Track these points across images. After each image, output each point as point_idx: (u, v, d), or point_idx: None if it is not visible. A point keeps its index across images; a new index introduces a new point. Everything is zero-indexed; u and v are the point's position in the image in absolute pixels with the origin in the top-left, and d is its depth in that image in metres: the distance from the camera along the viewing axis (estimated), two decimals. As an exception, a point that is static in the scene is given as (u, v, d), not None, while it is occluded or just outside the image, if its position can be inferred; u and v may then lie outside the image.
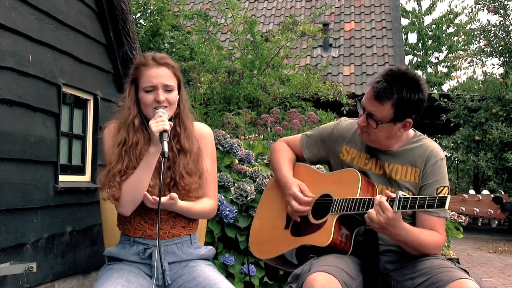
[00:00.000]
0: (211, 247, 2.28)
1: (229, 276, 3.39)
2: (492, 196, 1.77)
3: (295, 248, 2.22)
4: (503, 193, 1.77)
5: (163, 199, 1.99)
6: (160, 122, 2.02)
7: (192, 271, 2.07)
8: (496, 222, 1.81)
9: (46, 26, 3.41)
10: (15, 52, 3.08)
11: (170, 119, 2.10)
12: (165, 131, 2.01)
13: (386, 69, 2.15)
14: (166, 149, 1.99)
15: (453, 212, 4.38)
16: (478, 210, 1.78)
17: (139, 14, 8.63)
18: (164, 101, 2.08)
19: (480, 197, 1.79)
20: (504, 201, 1.74)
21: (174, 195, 2.02)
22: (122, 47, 4.38)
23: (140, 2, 8.52)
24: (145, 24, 8.29)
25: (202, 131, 2.26)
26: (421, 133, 2.28)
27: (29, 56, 3.21)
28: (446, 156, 25.04)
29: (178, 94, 2.16)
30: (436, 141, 21.88)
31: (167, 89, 2.10)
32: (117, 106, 2.20)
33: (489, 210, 1.76)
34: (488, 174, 10.48)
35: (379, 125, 2.10)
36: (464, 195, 1.82)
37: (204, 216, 2.25)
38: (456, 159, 23.07)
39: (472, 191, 1.84)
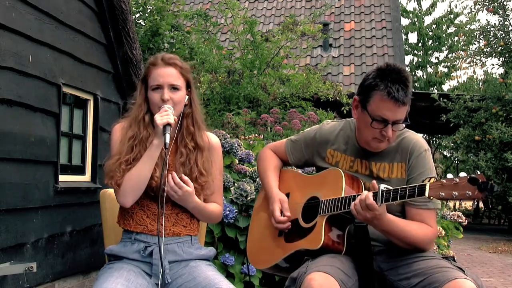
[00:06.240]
0: (212, 247, 2.28)
1: (229, 276, 3.39)
2: (468, 177, 1.76)
3: (290, 254, 2.22)
4: (478, 173, 1.76)
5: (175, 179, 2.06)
6: (165, 116, 2.07)
7: (192, 271, 2.08)
8: (475, 203, 1.80)
9: (46, 26, 3.41)
10: (15, 52, 3.08)
11: (179, 118, 2.17)
12: (169, 124, 2.07)
13: (383, 71, 2.07)
14: (167, 140, 2.05)
15: (453, 212, 4.41)
16: (457, 194, 1.77)
17: (138, 14, 8.62)
18: (168, 100, 2.12)
19: (458, 180, 1.78)
20: (480, 181, 1.73)
21: (186, 178, 2.08)
22: (122, 47, 4.39)
23: (140, 2, 8.51)
24: (144, 24, 8.29)
25: (212, 141, 2.29)
26: (404, 127, 2.24)
27: (29, 56, 3.21)
28: (445, 156, 24.90)
29: (189, 94, 2.21)
30: (436, 141, 21.93)
31: (173, 88, 2.15)
32: (131, 104, 2.27)
33: (467, 192, 1.75)
34: (488, 174, 10.48)
35: (403, 124, 2.09)
36: (442, 180, 1.81)
37: (213, 217, 2.28)
38: (456, 159, 23.05)
39: (450, 175, 1.82)
